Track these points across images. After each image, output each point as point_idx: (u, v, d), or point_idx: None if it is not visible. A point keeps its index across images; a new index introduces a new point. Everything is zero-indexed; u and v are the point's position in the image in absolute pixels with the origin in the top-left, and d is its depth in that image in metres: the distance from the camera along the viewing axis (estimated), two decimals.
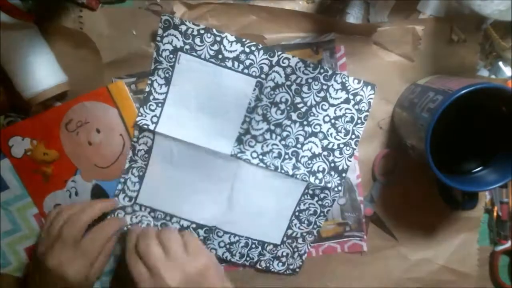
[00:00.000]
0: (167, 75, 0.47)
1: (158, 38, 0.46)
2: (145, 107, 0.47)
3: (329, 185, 0.49)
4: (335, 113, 0.48)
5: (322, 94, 0.47)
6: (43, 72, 0.45)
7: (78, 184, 0.50)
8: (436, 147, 0.38)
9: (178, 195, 0.49)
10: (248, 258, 0.51)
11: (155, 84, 0.47)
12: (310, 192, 0.49)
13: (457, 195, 0.51)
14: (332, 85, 0.47)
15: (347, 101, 0.48)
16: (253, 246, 0.51)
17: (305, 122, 0.48)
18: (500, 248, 0.53)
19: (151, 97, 0.47)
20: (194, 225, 0.50)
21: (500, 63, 0.49)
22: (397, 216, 0.52)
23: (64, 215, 0.45)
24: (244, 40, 0.46)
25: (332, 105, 0.48)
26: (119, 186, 0.49)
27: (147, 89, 0.47)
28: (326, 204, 0.50)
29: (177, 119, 0.47)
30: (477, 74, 0.49)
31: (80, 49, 0.48)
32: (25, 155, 0.49)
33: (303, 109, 0.48)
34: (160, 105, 0.47)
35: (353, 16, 0.47)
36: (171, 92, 0.47)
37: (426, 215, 0.52)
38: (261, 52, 0.46)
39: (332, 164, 0.49)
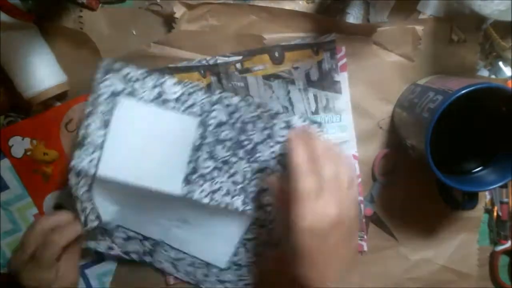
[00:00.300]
0: (105, 118, 0.45)
1: (98, 81, 0.45)
2: (79, 150, 0.45)
3: None
4: (281, 150, 0.47)
5: (267, 131, 0.46)
6: (43, 72, 0.45)
7: None
8: (436, 147, 0.38)
9: (129, 213, 0.48)
10: (192, 277, 0.51)
11: (92, 127, 0.45)
12: (258, 223, 0.49)
13: (457, 195, 0.51)
14: (277, 123, 0.46)
15: None
16: (199, 265, 0.51)
17: (251, 159, 0.47)
18: (500, 248, 0.53)
19: (86, 141, 0.45)
20: (141, 237, 0.50)
21: (500, 63, 0.49)
22: (397, 216, 0.52)
23: (40, 232, 0.43)
24: (185, 82, 0.46)
25: (278, 142, 0.47)
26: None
27: (82, 131, 0.45)
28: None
29: (119, 162, 0.45)
30: (477, 74, 0.49)
31: (80, 49, 0.48)
32: (25, 155, 0.49)
33: (249, 146, 0.47)
34: (98, 148, 0.45)
35: (353, 16, 0.47)
36: (110, 135, 0.45)
37: (426, 215, 0.52)
38: (202, 91, 0.46)
39: None
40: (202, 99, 0.46)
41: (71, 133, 0.49)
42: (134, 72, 0.45)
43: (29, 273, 0.42)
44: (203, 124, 0.46)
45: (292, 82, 0.48)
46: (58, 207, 0.51)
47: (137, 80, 0.45)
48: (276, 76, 0.48)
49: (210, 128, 0.46)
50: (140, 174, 0.45)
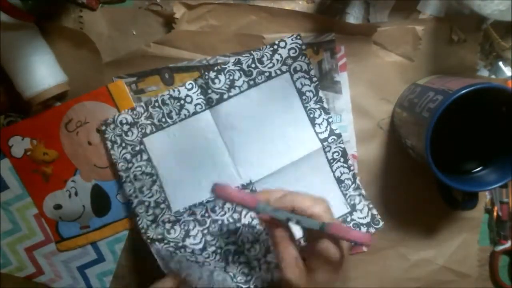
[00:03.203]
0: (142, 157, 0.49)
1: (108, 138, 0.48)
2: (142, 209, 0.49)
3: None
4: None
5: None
6: (43, 72, 0.45)
7: (77, 184, 0.50)
8: (436, 147, 0.38)
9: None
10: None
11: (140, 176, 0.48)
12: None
13: (457, 195, 0.51)
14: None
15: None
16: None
17: None
18: (500, 248, 0.53)
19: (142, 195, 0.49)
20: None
21: (500, 63, 0.49)
22: (397, 216, 0.52)
23: None
24: (174, 90, 0.47)
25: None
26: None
27: (130, 190, 0.48)
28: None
29: (183, 192, 0.49)
30: (477, 74, 0.49)
31: (80, 49, 0.48)
32: (25, 155, 0.49)
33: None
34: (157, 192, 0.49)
35: (353, 16, 0.47)
36: (161, 171, 0.49)
37: (426, 215, 0.52)
38: (195, 88, 0.47)
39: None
40: (197, 95, 0.47)
41: (71, 133, 0.49)
42: (126, 116, 0.48)
43: None
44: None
45: None
46: (58, 207, 0.51)
47: (142, 113, 0.48)
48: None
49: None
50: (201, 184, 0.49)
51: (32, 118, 0.49)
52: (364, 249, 0.52)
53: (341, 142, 0.48)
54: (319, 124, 0.48)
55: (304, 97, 0.48)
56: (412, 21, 0.47)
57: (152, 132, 0.48)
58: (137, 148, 0.48)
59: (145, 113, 0.48)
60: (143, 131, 0.48)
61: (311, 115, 0.48)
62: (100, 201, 0.51)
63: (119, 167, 0.48)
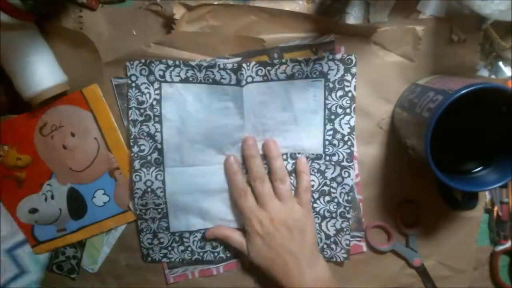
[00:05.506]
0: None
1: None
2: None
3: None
4: None
5: None
6: (43, 72, 0.45)
7: (54, 187, 0.50)
8: (436, 147, 0.38)
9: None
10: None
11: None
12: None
13: (457, 195, 0.51)
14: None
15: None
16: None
17: None
18: (500, 248, 0.53)
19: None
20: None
21: (500, 63, 0.49)
22: (397, 215, 0.52)
23: None
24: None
25: None
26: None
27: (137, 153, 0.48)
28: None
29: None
30: (477, 74, 0.49)
31: (80, 49, 0.47)
32: None
33: None
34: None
35: (353, 16, 0.47)
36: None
37: (426, 215, 0.52)
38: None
39: None
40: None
41: (46, 137, 0.49)
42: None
43: None
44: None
45: None
46: (34, 211, 0.50)
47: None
48: None
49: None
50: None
51: (4, 123, 0.48)
52: (364, 249, 0.52)
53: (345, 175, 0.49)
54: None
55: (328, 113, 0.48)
56: (412, 21, 0.47)
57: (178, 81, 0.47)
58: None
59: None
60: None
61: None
62: (76, 204, 0.50)
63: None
